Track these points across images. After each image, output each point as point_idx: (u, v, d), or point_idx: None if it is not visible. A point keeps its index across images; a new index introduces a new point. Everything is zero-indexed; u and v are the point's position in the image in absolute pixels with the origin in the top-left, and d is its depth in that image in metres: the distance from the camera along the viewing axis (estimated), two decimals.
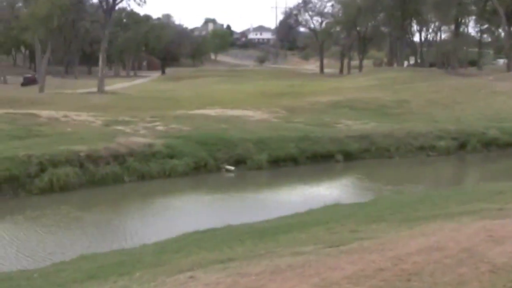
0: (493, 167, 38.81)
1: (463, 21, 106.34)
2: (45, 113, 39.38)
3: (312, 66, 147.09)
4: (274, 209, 22.33)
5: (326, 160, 35.79)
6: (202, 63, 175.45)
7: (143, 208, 25.89)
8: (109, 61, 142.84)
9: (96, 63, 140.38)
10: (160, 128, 37.51)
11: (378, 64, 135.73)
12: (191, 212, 25.40)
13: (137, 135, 34.77)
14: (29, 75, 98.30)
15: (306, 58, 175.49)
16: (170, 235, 16.64)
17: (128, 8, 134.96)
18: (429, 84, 60.73)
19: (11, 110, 40.20)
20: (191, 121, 39.63)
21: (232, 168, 33.32)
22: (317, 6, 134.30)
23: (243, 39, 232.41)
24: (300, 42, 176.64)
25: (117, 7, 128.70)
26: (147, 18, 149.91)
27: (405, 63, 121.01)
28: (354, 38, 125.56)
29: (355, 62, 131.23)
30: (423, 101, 53.19)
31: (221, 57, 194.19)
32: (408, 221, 13.60)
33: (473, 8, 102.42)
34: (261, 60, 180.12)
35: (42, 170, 27.89)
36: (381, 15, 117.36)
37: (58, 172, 27.92)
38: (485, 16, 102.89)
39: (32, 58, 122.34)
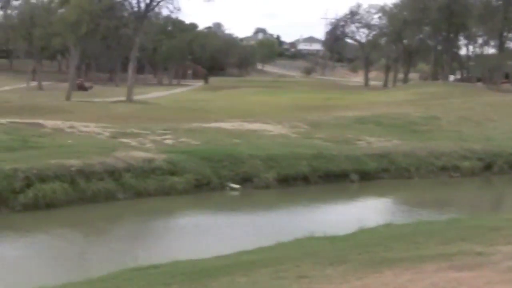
0: None
1: (509, 35, 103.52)
2: (50, 123, 38.11)
3: (359, 78, 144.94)
4: (264, 235, 20.77)
5: (340, 180, 33.77)
6: (249, 73, 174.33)
7: (119, 228, 24.34)
8: (154, 69, 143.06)
9: (140, 71, 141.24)
10: (168, 141, 35.98)
11: (424, 77, 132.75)
12: (169, 236, 23.72)
13: (141, 149, 33.26)
14: (77, 81, 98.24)
15: (354, 70, 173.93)
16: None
17: (169, 15, 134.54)
18: (463, 100, 58.44)
19: (17, 119, 39.02)
20: (203, 134, 38.05)
21: (237, 186, 31.55)
22: (364, 17, 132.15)
23: (292, 49, 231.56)
24: (349, 53, 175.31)
25: (161, 15, 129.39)
26: (193, 26, 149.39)
27: (451, 77, 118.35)
28: (400, 51, 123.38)
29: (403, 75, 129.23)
30: (454, 117, 50.91)
31: (268, 67, 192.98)
32: (369, 266, 11.91)
33: None
34: (308, 71, 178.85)
35: (28, 185, 26.41)
36: (427, 28, 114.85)
37: (45, 187, 26.43)
38: None
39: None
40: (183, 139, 36.65)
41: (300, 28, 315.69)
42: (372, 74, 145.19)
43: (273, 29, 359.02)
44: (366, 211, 27.27)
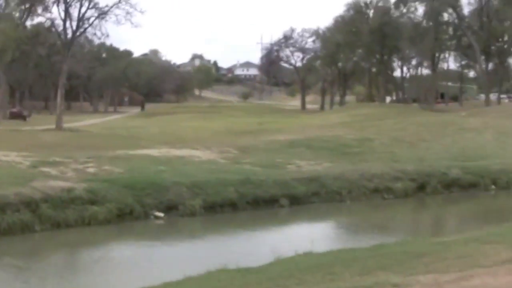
0: (451, 210, 36.12)
1: (441, 56, 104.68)
2: None
3: (297, 102, 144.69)
4: (181, 267, 19.37)
5: (269, 205, 32.62)
6: (186, 99, 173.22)
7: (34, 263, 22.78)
8: (89, 96, 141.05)
9: (76, 98, 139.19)
10: (90, 170, 34.41)
11: (361, 99, 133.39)
12: (84, 271, 22.26)
13: (61, 178, 31.68)
14: (14, 110, 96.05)
15: (292, 94, 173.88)
16: None
17: (103, 42, 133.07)
18: (396, 121, 58.05)
19: None
20: (127, 162, 36.58)
21: (161, 214, 30.19)
22: (298, 41, 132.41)
23: (230, 75, 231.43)
24: (286, 78, 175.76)
25: (93, 42, 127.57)
26: (127, 53, 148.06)
27: (388, 98, 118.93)
28: (334, 74, 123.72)
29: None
30: (387, 139, 50.36)
31: (206, 93, 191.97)
32: None
33: (451, 43, 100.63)
34: (245, 96, 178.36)
35: None
36: (361, 50, 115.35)
37: None
38: (463, 52, 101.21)
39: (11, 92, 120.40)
40: (106, 167, 35.13)
41: (238, 53, 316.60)
42: (310, 97, 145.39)
43: (210, 55, 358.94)
44: (291, 238, 26.07)
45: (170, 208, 30.60)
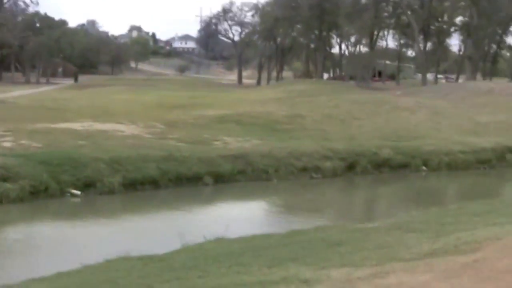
0: (380, 191, 35.25)
1: (380, 34, 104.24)
2: None
3: (234, 76, 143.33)
4: (87, 252, 18.08)
5: (192, 183, 31.30)
6: (122, 71, 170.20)
7: None
8: (22, 67, 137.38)
9: (7, 68, 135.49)
10: (6, 144, 32.54)
11: (298, 76, 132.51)
12: None
13: None
14: None
15: (230, 68, 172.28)
16: None
17: (37, 11, 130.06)
18: (330, 98, 56.93)
19: None
20: (47, 136, 34.81)
21: (78, 192, 28.62)
22: (237, 15, 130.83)
23: (168, 47, 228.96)
24: (225, 52, 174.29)
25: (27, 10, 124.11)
26: (62, 23, 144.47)
27: (325, 75, 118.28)
28: (272, 49, 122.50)
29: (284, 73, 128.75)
30: (319, 116, 49.26)
31: (143, 66, 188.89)
32: None
33: (390, 21, 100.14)
34: (182, 70, 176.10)
35: None
36: (299, 26, 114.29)
37: None
38: (401, 30, 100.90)
39: None
40: (23, 141, 33.32)
41: (177, 26, 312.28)
42: (248, 72, 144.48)
43: (149, 27, 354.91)
44: (207, 220, 24.80)
45: (88, 186, 29.11)
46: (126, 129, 39.61)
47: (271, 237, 15.31)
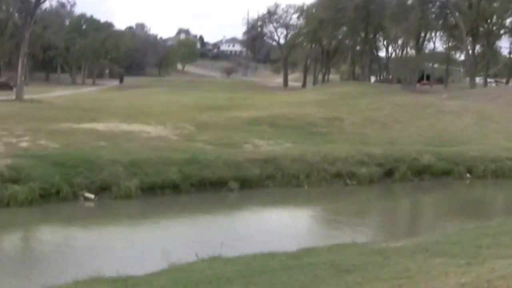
0: (418, 201, 32.73)
1: (427, 36, 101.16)
2: None
3: (282, 79, 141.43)
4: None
5: (216, 188, 29.21)
6: (168, 73, 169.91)
7: None
8: (68, 68, 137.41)
9: (55, 70, 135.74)
10: (23, 144, 30.97)
11: (345, 78, 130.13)
12: None
13: None
14: (1, 80, 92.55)
15: (277, 71, 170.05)
16: None
17: (84, 13, 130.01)
18: (371, 101, 54.44)
19: None
20: (67, 136, 33.16)
21: (91, 196, 26.79)
22: (283, 17, 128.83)
23: (215, 50, 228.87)
24: (273, 55, 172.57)
25: (73, 12, 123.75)
26: (108, 25, 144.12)
27: (372, 78, 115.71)
28: (318, 51, 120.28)
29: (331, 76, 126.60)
30: (359, 119, 46.81)
31: (190, 68, 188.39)
32: None
33: (437, 22, 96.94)
34: (228, 72, 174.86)
35: None
36: (344, 28, 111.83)
37: None
38: (449, 32, 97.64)
39: None
40: (41, 142, 31.72)
41: (226, 29, 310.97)
42: (295, 75, 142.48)
43: (198, 30, 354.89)
44: (220, 231, 22.66)
45: (103, 189, 27.33)
46: (153, 130, 37.79)
47: (275, 258, 13.08)
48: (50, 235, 22.70)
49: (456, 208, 30.07)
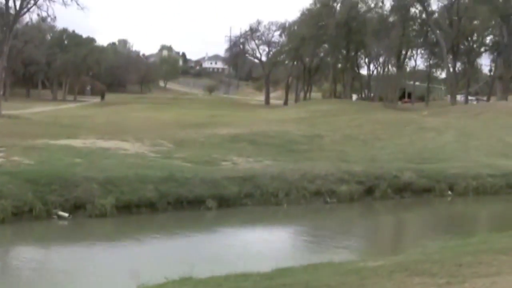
0: (398, 218, 32.36)
1: (408, 53, 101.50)
2: None
3: (263, 97, 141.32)
4: None
5: (194, 207, 28.55)
6: (150, 90, 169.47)
7: None
8: (50, 83, 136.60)
9: (36, 85, 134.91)
10: None
11: (327, 96, 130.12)
12: None
13: None
14: None
15: (259, 89, 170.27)
16: None
17: (65, 28, 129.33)
18: (352, 118, 54.13)
19: None
20: (41, 153, 32.50)
21: (65, 215, 26.10)
22: (265, 34, 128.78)
23: (198, 67, 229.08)
24: (254, 72, 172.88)
25: (55, 27, 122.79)
26: (90, 40, 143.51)
27: (354, 96, 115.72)
28: (300, 69, 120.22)
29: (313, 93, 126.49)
30: (339, 136, 46.45)
31: (172, 85, 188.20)
32: None
33: (418, 40, 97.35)
34: (210, 90, 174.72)
35: None
36: (326, 45, 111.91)
37: None
38: (430, 49, 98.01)
39: None
40: (15, 158, 31.05)
41: (208, 46, 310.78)
42: (278, 93, 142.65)
43: (180, 47, 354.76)
44: (196, 250, 22.11)
45: (77, 207, 26.59)
46: (130, 147, 37.22)
47: (248, 278, 12.53)
48: (20, 255, 22.07)
49: (438, 225, 29.71)
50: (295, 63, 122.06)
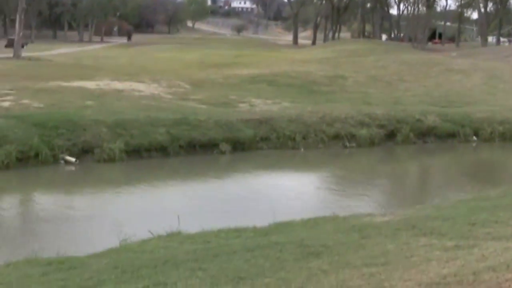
0: (419, 165, 31.08)
1: None
2: None
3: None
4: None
5: (207, 151, 27.62)
6: (178, 30, 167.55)
7: None
8: (75, 24, 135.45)
9: (61, 27, 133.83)
10: (5, 104, 29.47)
11: (356, 36, 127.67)
12: None
13: None
14: (12, 37, 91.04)
15: (288, 29, 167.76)
16: None
17: None
18: (378, 58, 52.41)
19: None
20: (53, 95, 31.60)
21: (72, 159, 25.26)
22: None
23: (226, 7, 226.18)
24: (283, 12, 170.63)
25: None
26: None
27: (383, 36, 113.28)
28: (328, 8, 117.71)
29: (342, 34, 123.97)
30: (363, 77, 44.91)
31: (201, 25, 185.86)
32: None
33: None
34: (239, 30, 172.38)
35: None
36: None
37: None
38: None
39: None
40: (25, 101, 30.17)
41: None
42: (307, 33, 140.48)
43: None
44: (196, 201, 21.06)
45: (85, 152, 25.77)
46: (146, 88, 36.16)
47: (241, 235, 11.50)
48: (21, 202, 21.29)
49: (461, 173, 28.43)
50: (323, 1, 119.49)
